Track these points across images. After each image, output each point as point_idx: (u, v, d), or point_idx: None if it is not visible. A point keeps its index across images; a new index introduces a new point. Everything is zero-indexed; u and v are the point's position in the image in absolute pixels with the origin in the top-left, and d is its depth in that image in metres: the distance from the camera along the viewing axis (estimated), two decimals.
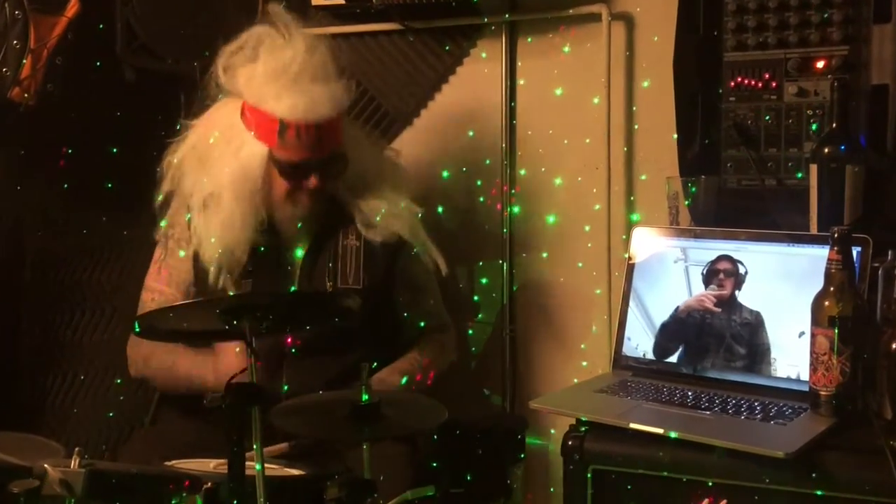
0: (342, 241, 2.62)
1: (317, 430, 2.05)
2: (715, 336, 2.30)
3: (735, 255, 2.32)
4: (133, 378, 2.70)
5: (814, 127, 2.42)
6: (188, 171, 2.59)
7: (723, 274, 2.32)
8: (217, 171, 2.55)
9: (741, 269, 2.30)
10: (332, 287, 2.59)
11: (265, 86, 2.50)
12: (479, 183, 3.06)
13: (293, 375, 2.53)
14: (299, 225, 2.60)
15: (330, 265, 2.61)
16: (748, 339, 2.26)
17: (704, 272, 2.34)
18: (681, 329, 2.35)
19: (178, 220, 2.64)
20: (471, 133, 3.07)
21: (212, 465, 2.09)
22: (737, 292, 2.30)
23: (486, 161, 3.05)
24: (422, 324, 2.70)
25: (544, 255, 3.02)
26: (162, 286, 2.65)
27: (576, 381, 2.76)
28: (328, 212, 2.62)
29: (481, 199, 3.06)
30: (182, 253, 2.62)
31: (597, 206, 2.90)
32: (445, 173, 3.08)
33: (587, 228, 2.92)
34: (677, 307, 2.37)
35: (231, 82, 2.55)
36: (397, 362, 2.60)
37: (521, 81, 3.01)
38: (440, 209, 3.03)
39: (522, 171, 3.02)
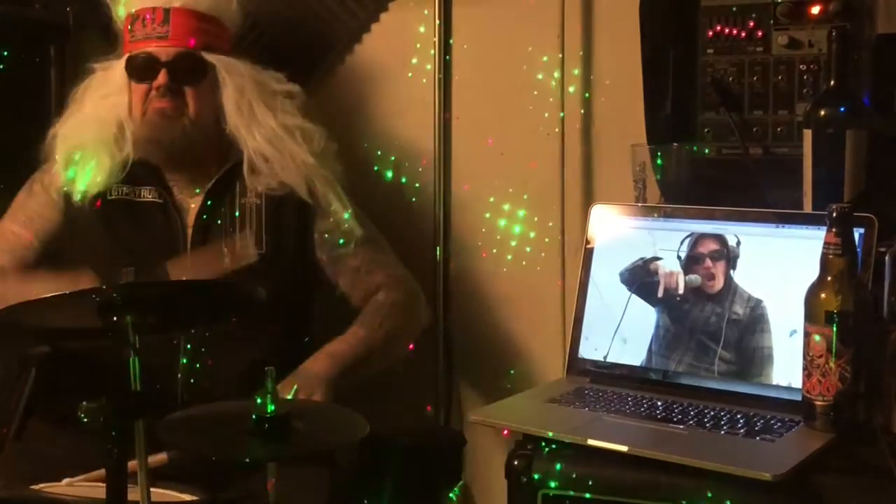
0: (239, 197, 2.66)
1: (212, 447, 2.02)
2: (691, 334, 2.31)
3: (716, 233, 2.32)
4: None
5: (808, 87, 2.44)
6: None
7: (708, 259, 2.32)
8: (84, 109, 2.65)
9: (731, 241, 2.29)
10: (230, 253, 2.60)
11: None
12: (406, 153, 3.08)
13: (190, 377, 2.54)
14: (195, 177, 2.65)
15: (226, 227, 2.64)
16: (737, 336, 2.26)
17: (683, 259, 2.34)
18: (649, 326, 2.35)
19: (48, 168, 2.72)
20: (397, 93, 3.09)
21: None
22: (732, 272, 2.29)
23: (415, 126, 3.06)
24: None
25: (485, 238, 3.02)
26: (16, 227, 2.71)
27: (523, 388, 2.76)
28: (219, 154, 2.66)
29: (408, 173, 3.08)
30: (46, 197, 2.70)
31: (548, 181, 2.91)
32: (365, 142, 3.08)
33: (537, 207, 2.93)
34: (645, 301, 2.37)
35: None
36: (330, 343, 2.60)
37: (457, 31, 3.02)
38: (359, 184, 2.99)
39: (459, 139, 3.04)
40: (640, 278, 2.38)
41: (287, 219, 2.67)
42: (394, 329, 2.68)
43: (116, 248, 2.61)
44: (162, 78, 2.57)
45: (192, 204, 2.66)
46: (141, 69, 2.59)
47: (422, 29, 3.02)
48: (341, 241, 2.69)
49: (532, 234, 2.94)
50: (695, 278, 2.32)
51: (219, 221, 2.64)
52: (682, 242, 2.34)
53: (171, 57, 2.58)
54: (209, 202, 2.65)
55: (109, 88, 2.64)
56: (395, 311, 2.70)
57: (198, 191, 2.66)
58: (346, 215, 2.68)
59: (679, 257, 2.34)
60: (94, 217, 2.64)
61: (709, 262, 2.31)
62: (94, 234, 2.64)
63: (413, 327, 2.75)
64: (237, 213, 2.65)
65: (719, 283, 2.30)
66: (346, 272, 2.71)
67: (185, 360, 2.55)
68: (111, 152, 2.62)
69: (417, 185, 3.08)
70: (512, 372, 3.00)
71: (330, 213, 2.67)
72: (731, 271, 2.29)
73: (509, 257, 2.99)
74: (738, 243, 2.29)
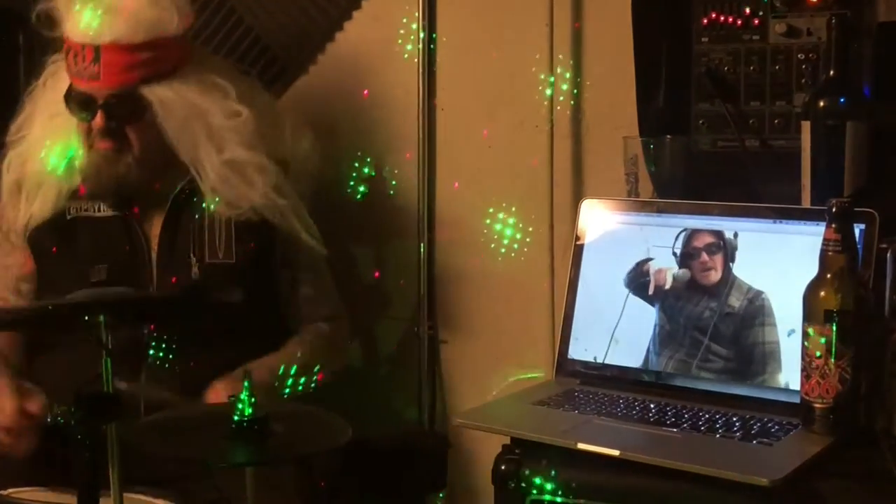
0: (208, 210, 2.63)
1: (189, 452, 2.02)
2: (685, 334, 2.31)
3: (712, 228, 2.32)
4: None
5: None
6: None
7: (705, 253, 2.32)
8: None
9: (727, 234, 2.29)
10: (199, 264, 2.58)
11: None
12: (388, 145, 3.07)
13: (156, 379, 2.52)
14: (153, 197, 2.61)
15: (194, 237, 2.61)
16: (733, 337, 2.26)
17: (678, 255, 2.34)
18: (642, 326, 2.35)
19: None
20: (379, 83, 3.08)
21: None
22: (731, 264, 2.29)
23: (398, 117, 3.05)
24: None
25: (470, 234, 3.01)
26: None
27: (510, 390, 2.77)
28: (178, 172, 2.61)
29: (391, 166, 3.07)
30: (9, 246, 2.68)
31: (537, 174, 2.90)
32: (346, 134, 3.07)
33: (525, 201, 2.92)
34: (637, 299, 2.37)
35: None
36: (268, 357, 2.58)
37: (441, 19, 3.01)
38: (340, 177, 3.04)
39: (444, 132, 3.03)
40: (633, 276, 2.38)
41: (255, 230, 2.64)
42: (326, 358, 2.68)
43: (79, 266, 2.58)
44: (99, 119, 2.53)
45: (155, 218, 2.64)
46: (78, 107, 2.54)
47: (405, 18, 3.01)
48: (303, 264, 2.73)
49: (520, 230, 2.93)
50: (683, 272, 2.33)
51: (182, 235, 2.63)
52: (676, 238, 2.34)
53: (106, 98, 2.52)
54: (171, 217, 2.63)
55: (59, 107, 2.59)
56: (330, 344, 2.73)
57: (161, 202, 2.63)
58: (310, 242, 2.68)
59: (674, 254, 2.34)
60: (54, 238, 2.62)
61: (705, 257, 2.32)
62: (55, 254, 2.62)
63: (337, 365, 2.75)
64: (205, 224, 2.63)
65: (715, 280, 2.30)
66: (300, 296, 2.73)
67: (150, 361, 2.53)
68: (58, 184, 2.60)
69: (400, 178, 3.07)
70: (497, 375, 2.98)
71: (292, 240, 2.67)
72: (728, 268, 2.29)
73: (496, 254, 2.98)
74: (735, 237, 2.30)
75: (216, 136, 2.59)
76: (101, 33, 2.48)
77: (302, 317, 2.72)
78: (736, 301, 2.26)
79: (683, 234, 2.34)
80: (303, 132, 2.77)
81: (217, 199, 2.58)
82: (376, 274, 3.13)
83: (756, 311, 2.24)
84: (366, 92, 3.09)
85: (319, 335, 2.71)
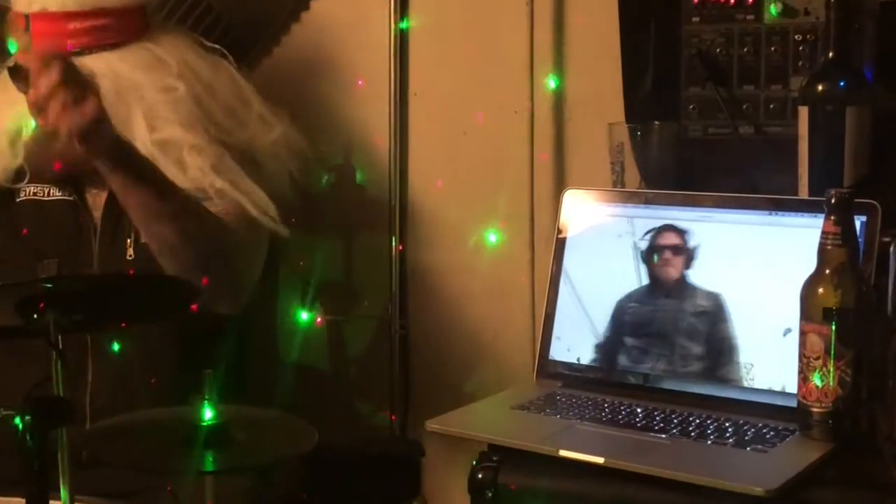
0: None
1: (144, 459, 2.00)
2: (674, 334, 2.31)
3: (694, 226, 2.33)
4: None
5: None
6: None
7: (668, 251, 2.33)
8: None
9: (690, 242, 2.31)
10: (134, 245, 2.57)
11: None
12: (358, 132, 3.07)
13: (103, 382, 2.51)
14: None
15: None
16: (725, 336, 2.26)
17: (643, 248, 2.36)
18: (628, 325, 2.36)
19: None
20: (348, 65, 3.08)
21: None
22: (687, 272, 2.31)
23: (368, 102, 3.05)
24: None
25: (445, 228, 3.03)
26: None
27: (488, 393, 2.69)
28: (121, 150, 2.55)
29: (360, 154, 3.08)
30: None
31: (516, 163, 2.90)
32: (312, 121, 3.04)
33: (503, 192, 2.92)
34: (624, 296, 2.37)
35: None
36: None
37: None
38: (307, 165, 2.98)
39: (417, 118, 3.04)
40: (619, 270, 2.39)
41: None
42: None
43: (28, 250, 2.58)
44: (35, 92, 2.47)
45: (100, 199, 2.63)
46: (17, 81, 2.50)
47: None
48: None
49: (498, 223, 2.94)
50: (661, 269, 2.34)
51: (125, 216, 2.58)
52: (646, 233, 2.37)
53: (39, 69, 2.49)
54: (114, 197, 2.58)
55: (12, 93, 2.57)
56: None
57: (104, 186, 2.60)
58: (261, 218, 2.59)
59: (640, 250, 2.36)
60: (2, 221, 2.62)
61: (672, 254, 2.34)
62: (3, 238, 2.62)
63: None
64: None
65: (706, 276, 2.30)
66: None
67: (95, 363, 2.53)
68: (4, 163, 2.59)
69: (370, 167, 3.08)
70: (473, 377, 3.00)
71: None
72: (720, 264, 2.29)
73: (473, 248, 2.99)
74: (728, 231, 2.30)
75: (150, 114, 2.56)
76: (32, 1, 2.49)
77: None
78: (728, 298, 2.26)
79: (660, 227, 2.36)
80: (278, 113, 2.73)
81: None
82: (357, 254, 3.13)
83: (749, 309, 2.24)
84: (333, 75, 3.09)
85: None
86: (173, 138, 2.55)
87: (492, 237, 2.95)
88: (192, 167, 2.54)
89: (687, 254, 2.32)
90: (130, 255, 2.56)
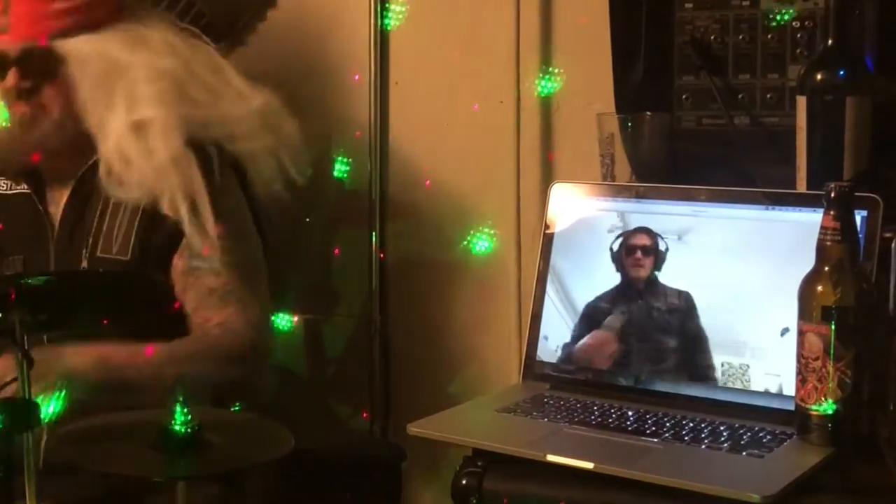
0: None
1: (113, 465, 2.00)
2: (668, 333, 2.31)
3: (687, 221, 2.32)
4: None
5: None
6: None
7: (640, 252, 2.35)
8: None
9: (661, 246, 2.32)
10: (89, 258, 2.57)
11: None
12: (336, 122, 3.10)
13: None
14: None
15: (95, 224, 2.59)
16: (719, 335, 2.26)
17: (615, 249, 2.37)
18: (618, 325, 2.35)
19: None
20: (327, 53, 3.09)
21: None
22: (656, 273, 2.32)
23: (347, 92, 3.07)
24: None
25: (428, 222, 3.03)
26: None
27: (472, 395, 2.78)
28: (87, 145, 2.58)
29: (339, 145, 3.10)
30: None
31: (501, 155, 2.90)
32: (291, 108, 2.99)
33: (488, 185, 2.93)
34: (614, 294, 2.37)
35: None
36: (109, 345, 2.44)
37: None
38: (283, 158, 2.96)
39: (398, 107, 3.04)
40: (609, 267, 2.39)
41: (160, 223, 2.57)
42: (188, 373, 2.42)
43: None
44: (11, 79, 2.54)
45: (61, 197, 2.64)
46: None
47: None
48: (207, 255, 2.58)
49: (483, 217, 2.94)
50: (634, 269, 2.35)
51: (86, 218, 2.61)
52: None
53: (18, 53, 2.53)
54: (76, 196, 2.63)
55: None
56: (203, 359, 2.51)
57: (68, 182, 2.63)
58: (204, 239, 2.55)
59: (612, 250, 2.37)
60: None
61: (643, 255, 2.34)
62: None
63: (206, 380, 2.47)
64: (108, 210, 2.60)
65: (698, 273, 2.30)
66: (198, 288, 2.57)
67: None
68: None
69: (349, 159, 3.08)
70: (457, 379, 3.03)
71: (189, 232, 2.55)
72: (713, 260, 2.29)
73: (456, 244, 3.00)
74: (720, 226, 2.30)
75: (131, 95, 2.56)
76: None
77: (198, 318, 2.57)
78: (723, 296, 2.26)
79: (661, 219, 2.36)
80: (259, 89, 2.73)
81: (115, 177, 2.53)
82: (336, 250, 3.14)
83: (745, 307, 2.24)
84: (311, 65, 3.09)
85: (192, 342, 2.54)
86: (147, 118, 2.55)
87: (476, 233, 2.96)
88: (161, 151, 2.53)
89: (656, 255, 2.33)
90: (84, 266, 2.56)
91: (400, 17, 3.01)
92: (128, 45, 2.58)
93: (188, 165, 2.55)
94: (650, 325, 2.32)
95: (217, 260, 2.56)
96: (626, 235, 2.36)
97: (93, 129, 2.56)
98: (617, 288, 2.37)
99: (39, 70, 2.54)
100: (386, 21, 3.00)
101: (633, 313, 2.35)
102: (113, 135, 2.53)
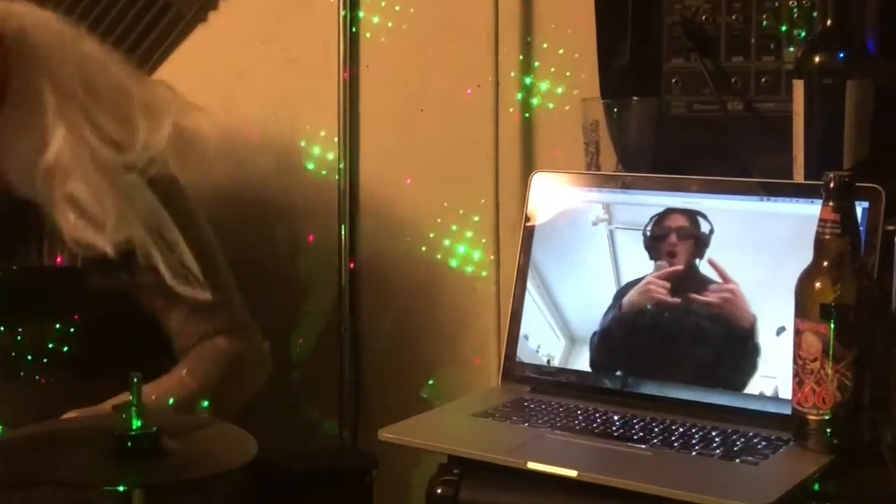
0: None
1: (64, 473, 2.01)
2: (656, 333, 2.31)
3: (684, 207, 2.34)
4: None
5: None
6: None
7: (674, 235, 2.32)
8: None
9: (703, 227, 2.30)
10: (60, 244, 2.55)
11: None
12: (303, 108, 3.09)
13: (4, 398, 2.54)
14: None
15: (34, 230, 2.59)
16: (711, 335, 2.26)
17: (648, 237, 2.35)
18: (604, 322, 2.36)
19: None
20: (292, 35, 3.09)
21: None
22: (697, 261, 2.30)
23: (315, 75, 3.06)
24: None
25: (401, 215, 3.04)
26: None
27: (448, 399, 2.80)
28: None
29: (306, 133, 3.10)
30: None
31: (479, 143, 2.90)
32: (252, 93, 3.09)
33: (465, 175, 2.93)
34: (599, 290, 2.38)
35: None
36: (145, 386, 2.51)
37: None
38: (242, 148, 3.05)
39: (370, 92, 3.04)
40: (594, 261, 2.39)
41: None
42: (230, 385, 2.62)
43: None
44: None
45: None
46: None
47: None
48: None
49: (459, 210, 2.95)
50: (668, 260, 2.33)
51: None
52: (648, 217, 2.36)
53: None
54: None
55: None
56: (235, 365, 2.64)
57: None
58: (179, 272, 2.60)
59: (646, 238, 2.34)
60: None
61: (674, 241, 2.32)
62: None
63: (251, 389, 2.69)
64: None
65: (688, 268, 2.30)
66: (182, 308, 2.61)
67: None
68: None
69: (317, 149, 3.08)
70: (432, 381, 3.03)
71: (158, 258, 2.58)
72: (702, 255, 2.29)
73: (431, 238, 3.01)
74: (713, 218, 2.30)
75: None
76: None
77: (190, 334, 2.64)
78: (714, 293, 2.27)
79: (654, 214, 2.35)
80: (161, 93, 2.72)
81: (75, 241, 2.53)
82: (304, 245, 3.12)
83: (738, 305, 2.24)
84: (275, 45, 3.10)
85: (216, 355, 2.63)
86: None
87: (452, 225, 2.96)
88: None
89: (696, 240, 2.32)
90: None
91: None
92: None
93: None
94: (637, 324, 2.33)
95: (195, 274, 2.60)
96: (656, 220, 2.35)
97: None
98: (603, 284, 2.37)
99: None
100: None
101: (619, 311, 2.35)
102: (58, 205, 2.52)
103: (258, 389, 2.72)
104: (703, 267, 2.28)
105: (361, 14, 3.01)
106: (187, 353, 2.60)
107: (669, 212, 2.33)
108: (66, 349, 2.52)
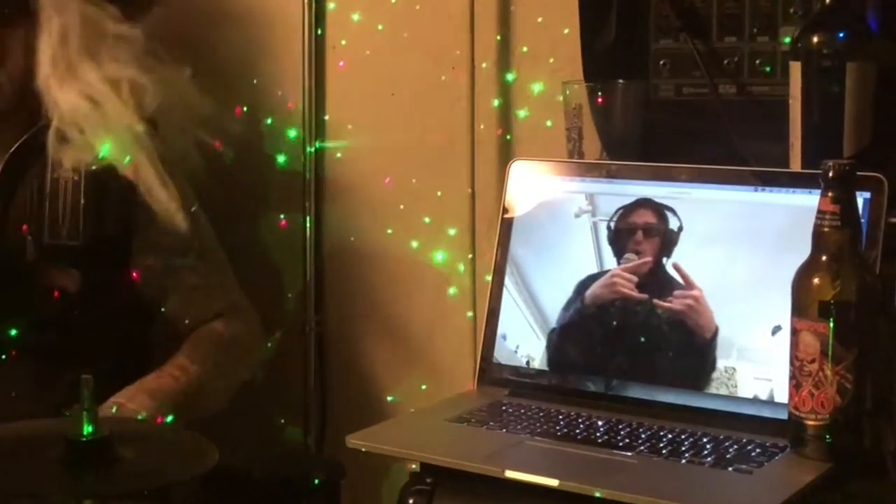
0: (51, 172, 2.65)
1: (10, 482, 2.01)
2: (642, 332, 2.32)
3: (665, 202, 2.34)
4: None
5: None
6: None
7: (641, 232, 2.34)
8: None
9: (672, 223, 2.32)
10: (36, 247, 2.61)
11: None
12: (266, 92, 3.11)
13: None
14: None
15: (30, 202, 2.64)
16: (703, 335, 2.26)
17: (612, 229, 2.37)
18: (587, 323, 2.37)
19: None
20: (254, 13, 3.11)
21: None
22: (664, 260, 2.31)
23: (277, 57, 3.10)
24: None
25: (370, 206, 3.04)
26: None
27: (420, 403, 2.80)
28: (29, 111, 2.64)
29: (269, 119, 3.11)
30: None
31: (454, 129, 2.91)
32: (213, 73, 3.04)
33: (439, 164, 2.94)
34: (581, 289, 2.38)
35: None
36: (149, 377, 2.63)
37: None
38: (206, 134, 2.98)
39: (335, 75, 3.05)
40: (576, 256, 2.39)
41: (111, 204, 2.68)
42: (231, 367, 2.78)
43: None
44: None
45: None
46: None
47: None
48: (179, 248, 2.73)
49: (433, 201, 2.95)
50: (634, 256, 2.35)
51: (26, 196, 2.66)
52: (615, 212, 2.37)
53: None
54: (12, 171, 2.65)
55: None
56: (234, 347, 2.79)
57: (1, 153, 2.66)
58: (178, 213, 2.68)
59: (609, 231, 2.37)
60: None
61: (643, 237, 2.34)
62: None
63: (251, 366, 2.86)
64: (47, 190, 2.66)
65: (667, 262, 2.31)
66: (181, 290, 2.75)
67: None
68: None
69: (281, 134, 3.08)
70: (404, 385, 3.03)
71: (156, 206, 2.67)
72: (694, 249, 2.29)
73: (402, 230, 3.01)
74: (703, 209, 2.31)
75: (101, 48, 2.64)
76: None
77: (188, 317, 2.74)
78: (704, 290, 2.27)
79: (626, 206, 2.37)
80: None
81: (68, 142, 2.59)
82: (265, 238, 3.12)
83: (730, 302, 2.25)
84: (237, 24, 3.10)
85: (216, 338, 2.75)
86: (124, 75, 2.65)
87: (425, 217, 2.97)
88: (124, 116, 2.62)
89: (662, 236, 2.33)
90: (31, 255, 2.62)
91: None
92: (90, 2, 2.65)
93: (173, 126, 2.71)
94: (622, 322, 2.33)
95: (192, 250, 2.73)
96: (623, 212, 2.36)
97: (46, 84, 2.60)
98: (584, 280, 2.37)
99: (5, 7, 2.59)
100: None
101: (604, 309, 2.35)
102: (76, 91, 2.59)
103: (256, 369, 2.85)
104: (696, 261, 2.29)
105: None
106: (186, 337, 2.72)
107: (638, 205, 2.36)
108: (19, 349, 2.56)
